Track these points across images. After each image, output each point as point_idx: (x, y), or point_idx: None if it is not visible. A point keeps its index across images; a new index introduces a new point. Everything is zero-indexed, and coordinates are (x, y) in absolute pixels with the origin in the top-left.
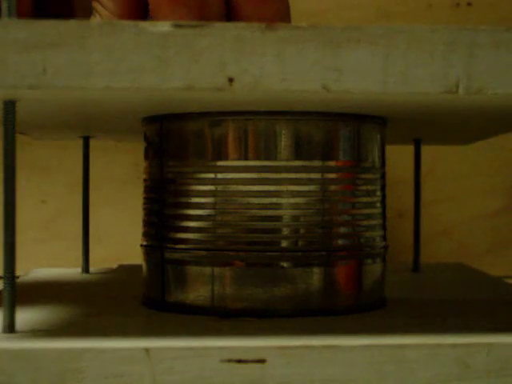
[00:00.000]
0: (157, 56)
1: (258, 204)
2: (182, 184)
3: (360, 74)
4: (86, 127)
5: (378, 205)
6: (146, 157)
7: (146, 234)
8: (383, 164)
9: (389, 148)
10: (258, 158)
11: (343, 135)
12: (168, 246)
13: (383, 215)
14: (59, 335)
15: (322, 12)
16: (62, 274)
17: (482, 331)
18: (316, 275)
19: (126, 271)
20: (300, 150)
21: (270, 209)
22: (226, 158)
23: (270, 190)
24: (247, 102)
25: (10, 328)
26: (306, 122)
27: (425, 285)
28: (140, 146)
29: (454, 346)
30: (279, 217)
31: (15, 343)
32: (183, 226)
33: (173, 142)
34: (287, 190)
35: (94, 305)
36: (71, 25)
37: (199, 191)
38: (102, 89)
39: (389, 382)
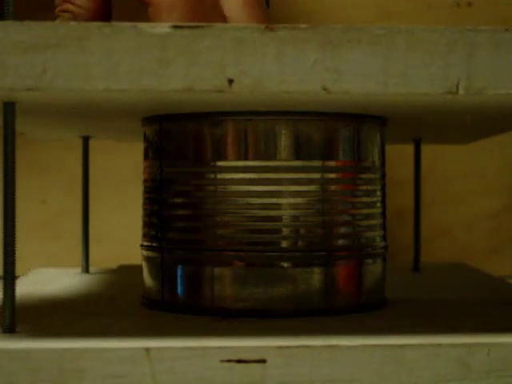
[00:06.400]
0: (156, 57)
1: (258, 204)
2: (181, 184)
3: (360, 75)
4: (86, 127)
5: (378, 205)
6: (146, 157)
7: (145, 234)
8: (383, 164)
9: (389, 148)
10: (257, 159)
11: (343, 135)
12: (168, 246)
13: (383, 215)
14: (59, 335)
15: (322, 12)
16: (61, 273)
17: (481, 331)
18: (316, 275)
19: (126, 271)
20: (300, 150)
21: (270, 209)
22: (225, 158)
23: (269, 190)
24: (247, 103)
25: (10, 328)
26: (305, 122)
27: (425, 285)
28: (140, 146)
29: (454, 345)
30: (279, 217)
31: (15, 343)
32: (183, 227)
33: (172, 142)
34: (287, 190)
35: (94, 305)
36: (71, 27)
37: (199, 191)
38: (102, 90)
39: (389, 382)
